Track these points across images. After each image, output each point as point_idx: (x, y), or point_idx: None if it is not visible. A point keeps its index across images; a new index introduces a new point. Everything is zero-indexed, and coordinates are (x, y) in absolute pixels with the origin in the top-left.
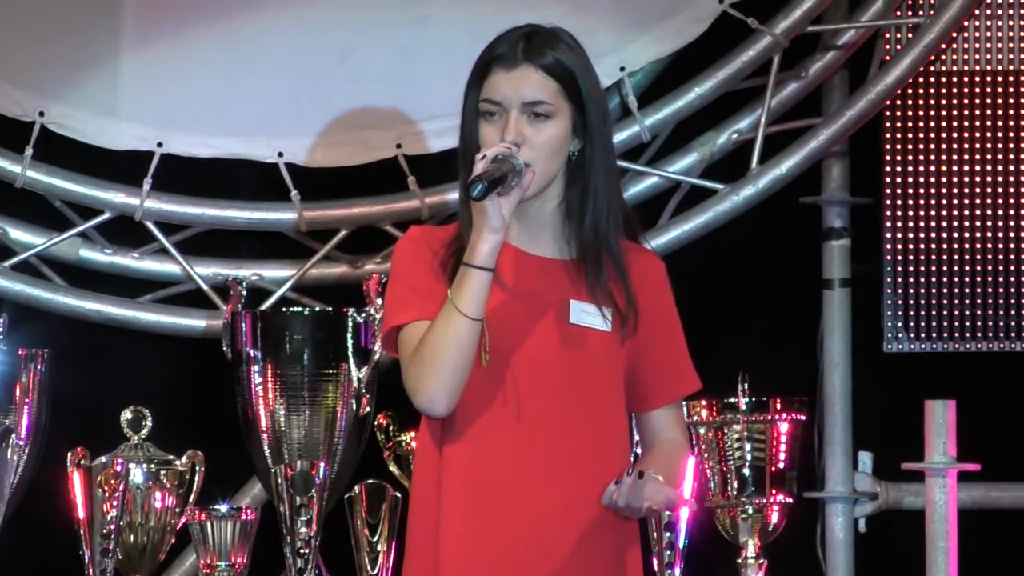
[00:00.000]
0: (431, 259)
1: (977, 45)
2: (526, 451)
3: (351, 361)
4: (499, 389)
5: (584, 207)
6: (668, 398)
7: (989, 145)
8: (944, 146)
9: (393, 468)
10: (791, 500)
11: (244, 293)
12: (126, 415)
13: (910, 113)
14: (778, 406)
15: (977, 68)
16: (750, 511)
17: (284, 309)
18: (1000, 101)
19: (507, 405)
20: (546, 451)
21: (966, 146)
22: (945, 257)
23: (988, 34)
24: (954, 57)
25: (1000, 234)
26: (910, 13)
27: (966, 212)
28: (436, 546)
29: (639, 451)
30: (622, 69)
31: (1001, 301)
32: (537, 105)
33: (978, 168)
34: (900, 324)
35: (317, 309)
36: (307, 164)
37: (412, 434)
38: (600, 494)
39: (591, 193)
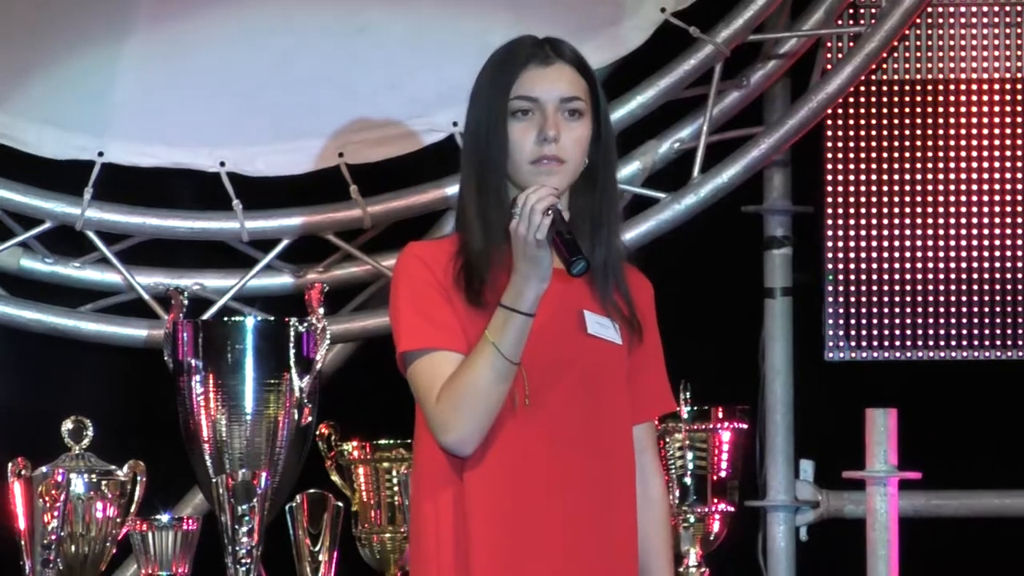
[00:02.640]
0: (442, 278)
1: (919, 54)
2: (554, 466)
3: (293, 371)
4: (525, 404)
5: (596, 218)
6: (650, 415)
7: (931, 154)
8: (886, 155)
9: (335, 478)
10: (733, 509)
11: (186, 303)
12: (67, 425)
13: (851, 122)
14: (720, 415)
15: (918, 77)
16: (692, 520)
17: (226, 319)
18: (941, 110)
19: (533, 418)
20: (572, 464)
21: (907, 155)
22: (886, 266)
23: (929, 43)
24: (895, 66)
25: (941, 243)
26: (851, 22)
27: (907, 221)
28: (465, 571)
29: None
30: None
31: (942, 310)
32: (572, 101)
33: (919, 177)
34: (841, 333)
35: (259, 319)
36: (249, 173)
37: (354, 443)
38: (617, 508)
39: (602, 205)
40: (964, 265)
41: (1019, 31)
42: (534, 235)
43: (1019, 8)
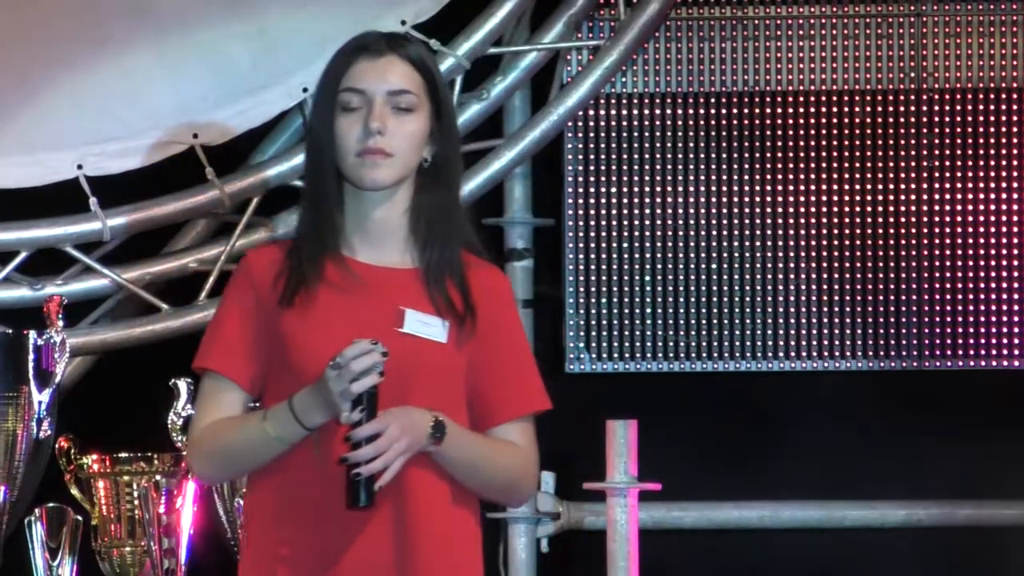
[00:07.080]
0: (259, 286)
1: (657, 67)
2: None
3: (32, 384)
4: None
5: (434, 216)
6: (513, 413)
7: (669, 167)
8: (625, 167)
9: (74, 491)
10: None
11: None
12: None
13: (592, 135)
14: None
15: (657, 90)
16: None
17: None
18: (680, 123)
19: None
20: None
21: (647, 167)
22: (627, 278)
23: (668, 56)
24: (634, 79)
25: (681, 255)
26: (591, 35)
27: (647, 233)
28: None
29: None
30: (305, 90)
31: (682, 321)
32: (402, 95)
33: (659, 190)
34: (582, 344)
35: None
36: None
37: (94, 457)
38: (434, 506)
39: (442, 202)
40: (704, 277)
41: (756, 44)
42: (339, 407)
43: (756, 22)
